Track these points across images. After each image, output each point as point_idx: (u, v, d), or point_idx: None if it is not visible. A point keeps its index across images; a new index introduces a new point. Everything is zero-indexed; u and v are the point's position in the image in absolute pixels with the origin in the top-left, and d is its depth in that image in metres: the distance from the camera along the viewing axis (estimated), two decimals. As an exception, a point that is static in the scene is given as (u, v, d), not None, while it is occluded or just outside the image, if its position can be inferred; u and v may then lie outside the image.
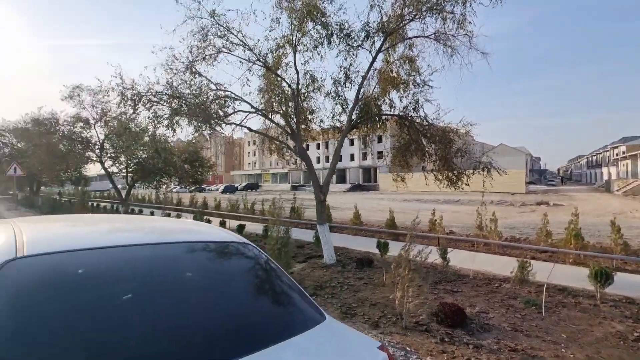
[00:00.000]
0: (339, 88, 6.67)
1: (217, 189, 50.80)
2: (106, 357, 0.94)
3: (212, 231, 1.80)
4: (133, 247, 1.38)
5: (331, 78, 6.70)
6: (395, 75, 6.79)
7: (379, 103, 6.78)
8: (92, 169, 21.57)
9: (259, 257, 1.60)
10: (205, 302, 1.27)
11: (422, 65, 6.66)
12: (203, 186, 55.63)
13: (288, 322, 1.28)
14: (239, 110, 7.95)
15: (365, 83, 6.61)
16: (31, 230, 1.39)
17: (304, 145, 8.25)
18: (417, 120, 6.69)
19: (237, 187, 53.49)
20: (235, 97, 7.88)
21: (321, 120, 8.10)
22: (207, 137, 14.11)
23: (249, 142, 72.03)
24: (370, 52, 6.39)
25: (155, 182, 16.66)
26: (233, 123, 8.12)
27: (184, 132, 7.86)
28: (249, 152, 75.82)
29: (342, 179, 57.05)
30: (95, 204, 21.40)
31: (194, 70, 7.21)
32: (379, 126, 7.27)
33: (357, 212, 11.86)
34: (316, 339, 1.17)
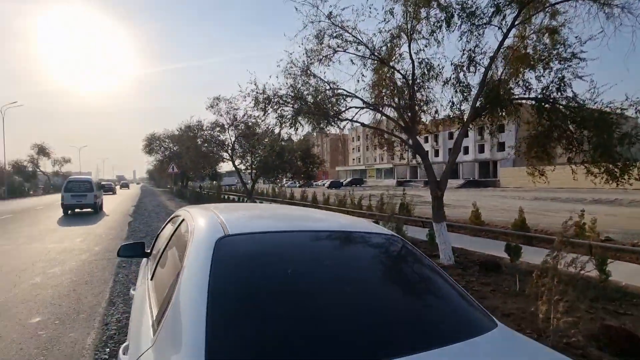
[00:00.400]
0: (461, 74, 6.08)
1: (324, 184, 53.44)
2: (308, 316, 1.11)
3: (374, 226, 1.95)
4: (310, 233, 1.60)
5: (451, 64, 6.16)
6: (532, 52, 5.79)
7: (510, 86, 5.90)
8: (224, 167, 25.67)
9: (422, 256, 1.64)
10: (379, 292, 1.34)
11: (567, 37, 5.48)
12: (311, 181, 59.72)
13: (458, 324, 1.22)
14: (351, 107, 8.14)
15: (492, 65, 5.85)
16: (225, 215, 1.70)
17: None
18: (562, 102, 5.56)
19: (342, 182, 55.18)
20: (348, 93, 8.06)
21: (436, 111, 7.59)
22: (321, 134, 14.94)
23: (353, 138, 73.28)
24: (500, 28, 5.61)
25: (273, 178, 18.59)
26: (346, 119, 8.34)
27: (303, 130, 8.47)
28: (353, 148, 77.24)
29: (454, 174, 52.45)
30: (226, 195, 25.28)
31: (309, 72, 7.69)
32: (508, 113, 6.35)
33: (476, 210, 10.71)
34: (492, 345, 1.08)
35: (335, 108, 8.01)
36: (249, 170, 18.26)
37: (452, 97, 6.52)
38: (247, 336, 0.97)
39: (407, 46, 6.42)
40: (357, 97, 8.05)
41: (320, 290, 1.27)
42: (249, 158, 17.42)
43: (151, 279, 1.98)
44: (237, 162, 18.00)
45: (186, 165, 21.31)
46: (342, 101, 8.15)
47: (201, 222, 1.61)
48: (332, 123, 8.06)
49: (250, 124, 16.12)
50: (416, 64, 6.50)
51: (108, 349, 3.15)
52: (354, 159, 77.02)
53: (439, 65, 6.49)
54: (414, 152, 8.25)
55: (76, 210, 16.00)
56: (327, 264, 1.41)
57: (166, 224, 2.86)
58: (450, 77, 6.32)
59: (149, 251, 2.93)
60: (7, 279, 5.36)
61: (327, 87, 7.88)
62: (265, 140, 16.29)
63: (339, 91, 7.93)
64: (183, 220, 2.01)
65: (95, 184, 18.00)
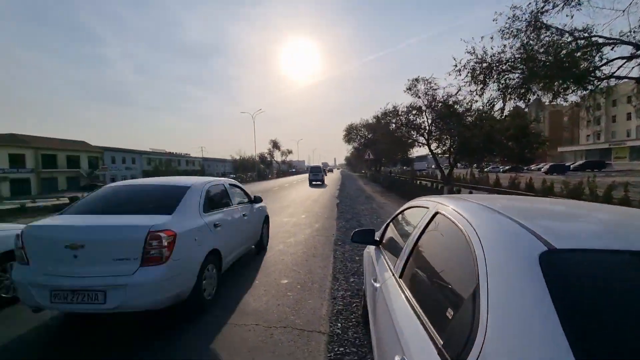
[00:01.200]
0: None
1: (540, 169, 43.24)
2: None
3: None
4: None
5: None
6: None
7: None
8: (415, 152, 24.88)
9: None
10: None
11: None
12: (520, 166, 49.39)
13: None
14: (615, 58, 5.70)
15: None
16: (521, 215, 1.18)
17: None
18: None
19: (569, 166, 42.65)
20: (608, 40, 5.71)
21: None
22: (542, 107, 11.69)
23: (589, 107, 55.05)
24: None
25: (477, 162, 16.40)
26: (604, 77, 6.02)
27: (533, 99, 6.68)
28: (588, 121, 58.12)
29: None
30: (418, 182, 24.36)
31: (539, 24, 5.85)
32: None
33: None
34: None
35: (584, 65, 5.81)
36: (447, 155, 16.84)
37: None
38: None
39: None
40: (625, 42, 5.52)
41: None
42: (447, 141, 16.03)
43: (400, 277, 1.73)
44: (433, 145, 17.00)
45: (381, 150, 22.15)
46: (594, 53, 5.85)
47: (486, 225, 1.15)
48: (583, 84, 5.88)
49: (450, 102, 14.69)
50: None
51: (339, 325, 3.33)
52: (588, 136, 57.94)
53: None
54: None
55: (313, 183, 30.69)
56: None
57: (400, 213, 2.62)
58: None
59: (378, 239, 2.81)
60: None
61: (572, 38, 5.80)
62: (469, 118, 14.45)
63: (594, 39, 5.67)
64: (437, 214, 1.62)
65: (322, 168, 30.26)
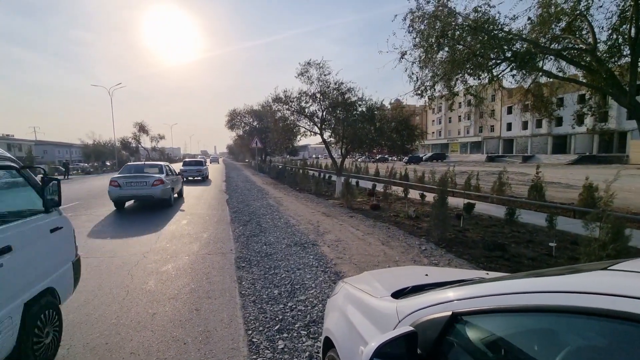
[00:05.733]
0: None
1: (400, 159, 49.97)
2: None
3: None
4: None
5: None
6: None
7: None
8: (298, 141, 24.24)
9: None
10: None
11: None
12: (386, 156, 56.24)
13: None
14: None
15: None
16: None
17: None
18: None
19: (422, 157, 50.90)
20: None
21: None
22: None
23: (434, 109, 66.77)
24: None
25: (367, 152, 16.66)
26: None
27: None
28: (433, 121, 70.64)
29: (560, 147, 44.17)
30: (312, 172, 23.69)
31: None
32: None
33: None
34: None
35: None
36: (339, 144, 16.56)
37: None
38: None
39: None
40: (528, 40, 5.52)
41: None
42: (340, 130, 15.65)
43: None
44: (326, 134, 16.44)
45: (272, 139, 20.46)
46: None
47: None
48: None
49: (344, 90, 14.24)
50: None
51: None
52: (433, 133, 70.47)
53: None
54: (630, 113, 5.51)
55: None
56: None
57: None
58: None
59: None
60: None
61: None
62: (361, 108, 14.37)
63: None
64: None
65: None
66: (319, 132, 16.23)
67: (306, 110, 15.88)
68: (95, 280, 4.36)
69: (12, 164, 2.44)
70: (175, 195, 12.41)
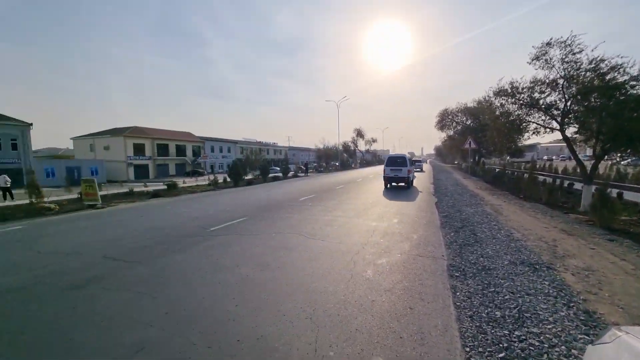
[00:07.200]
0: None
1: None
2: None
3: None
4: None
5: None
6: None
7: None
8: (526, 140, 19.53)
9: None
10: None
11: None
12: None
13: None
14: None
15: None
16: None
17: None
18: None
19: None
20: None
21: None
22: None
23: None
24: None
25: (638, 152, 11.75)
26: None
27: None
28: None
29: None
30: (542, 178, 19.06)
31: None
32: None
33: None
34: None
35: None
36: (591, 142, 12.45)
37: None
38: None
39: None
40: None
41: None
42: (594, 123, 11.72)
43: None
44: (569, 131, 12.81)
45: (491, 138, 18.12)
46: None
47: None
48: None
49: (604, 69, 10.54)
50: None
51: None
52: None
53: None
54: None
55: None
56: None
57: None
58: None
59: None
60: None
61: None
62: (635, 90, 10.14)
63: None
64: None
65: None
66: (558, 127, 12.86)
67: (541, 101, 12.96)
68: (329, 260, 5.35)
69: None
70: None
